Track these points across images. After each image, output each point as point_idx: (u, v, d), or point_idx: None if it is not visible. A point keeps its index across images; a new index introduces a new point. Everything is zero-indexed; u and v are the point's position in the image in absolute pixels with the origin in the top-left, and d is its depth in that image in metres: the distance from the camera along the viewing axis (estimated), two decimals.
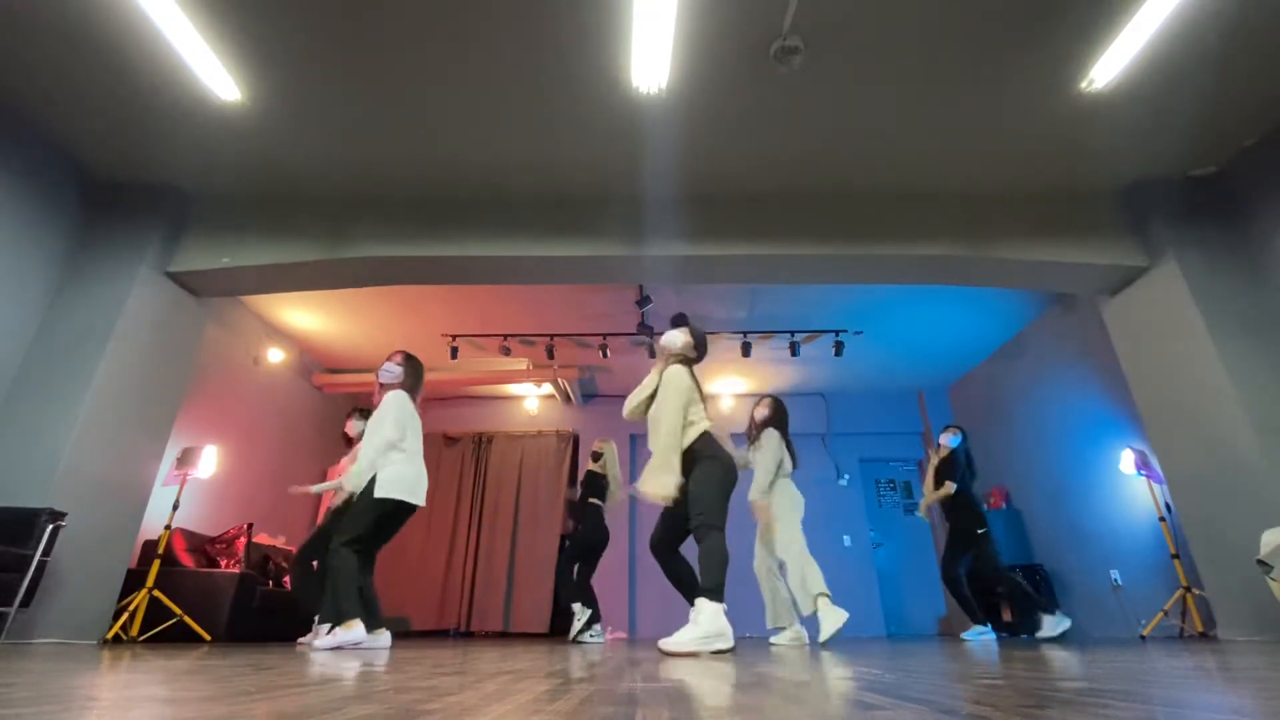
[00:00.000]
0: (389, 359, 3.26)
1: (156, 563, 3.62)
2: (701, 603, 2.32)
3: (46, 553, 2.88)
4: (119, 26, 2.85)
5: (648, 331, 5.31)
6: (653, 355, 5.66)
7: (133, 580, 3.57)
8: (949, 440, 4.56)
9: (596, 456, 4.98)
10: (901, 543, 6.71)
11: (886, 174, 3.83)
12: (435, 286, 4.81)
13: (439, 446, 6.91)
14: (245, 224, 3.95)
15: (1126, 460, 4.20)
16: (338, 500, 3.54)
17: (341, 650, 2.54)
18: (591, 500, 4.74)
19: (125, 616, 3.41)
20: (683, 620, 2.70)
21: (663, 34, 2.83)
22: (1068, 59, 3.04)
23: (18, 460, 3.14)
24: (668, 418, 2.59)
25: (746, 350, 5.60)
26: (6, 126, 3.32)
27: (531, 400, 7.24)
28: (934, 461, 4.61)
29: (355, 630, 2.68)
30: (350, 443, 4.04)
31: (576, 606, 4.42)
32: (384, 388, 3.23)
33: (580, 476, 5.46)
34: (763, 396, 4.01)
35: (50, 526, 2.90)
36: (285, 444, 5.71)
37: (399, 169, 3.80)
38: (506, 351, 5.69)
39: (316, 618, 3.53)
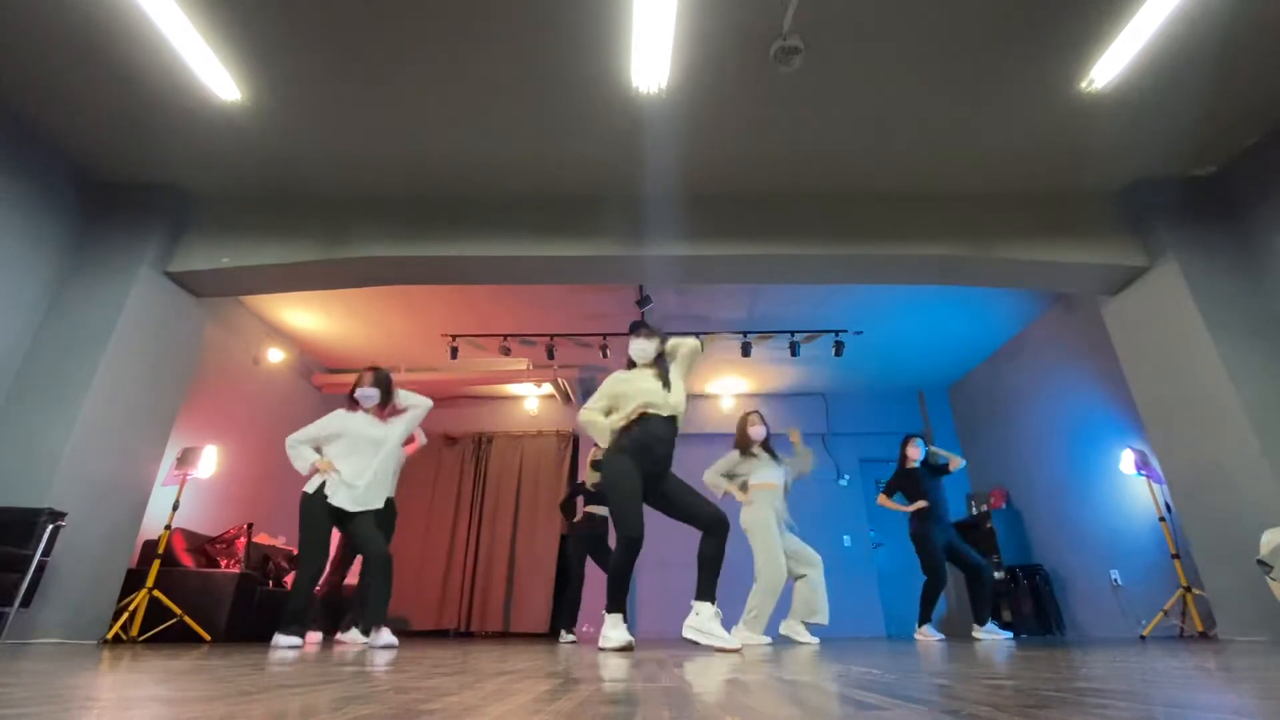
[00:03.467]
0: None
1: (156, 563, 3.62)
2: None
3: (46, 553, 2.88)
4: (119, 26, 2.85)
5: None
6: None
7: (133, 580, 3.57)
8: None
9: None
10: (902, 543, 6.67)
11: (887, 174, 3.83)
12: (435, 286, 4.81)
13: (439, 446, 6.91)
14: (245, 224, 3.95)
15: (1126, 460, 4.19)
16: None
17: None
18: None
19: (125, 616, 3.40)
20: (681, 617, 2.71)
21: (663, 34, 2.83)
22: (1068, 59, 3.04)
23: (18, 460, 3.14)
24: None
25: (746, 350, 5.60)
26: (6, 126, 3.31)
27: (531, 400, 7.24)
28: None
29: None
30: None
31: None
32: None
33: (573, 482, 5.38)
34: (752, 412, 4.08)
35: (50, 526, 2.90)
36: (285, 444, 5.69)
37: (399, 168, 3.80)
38: (506, 351, 5.69)
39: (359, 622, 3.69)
